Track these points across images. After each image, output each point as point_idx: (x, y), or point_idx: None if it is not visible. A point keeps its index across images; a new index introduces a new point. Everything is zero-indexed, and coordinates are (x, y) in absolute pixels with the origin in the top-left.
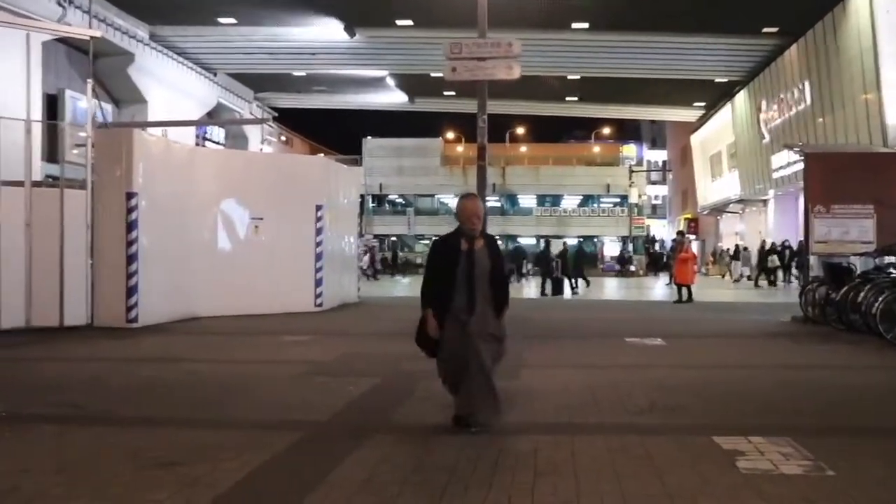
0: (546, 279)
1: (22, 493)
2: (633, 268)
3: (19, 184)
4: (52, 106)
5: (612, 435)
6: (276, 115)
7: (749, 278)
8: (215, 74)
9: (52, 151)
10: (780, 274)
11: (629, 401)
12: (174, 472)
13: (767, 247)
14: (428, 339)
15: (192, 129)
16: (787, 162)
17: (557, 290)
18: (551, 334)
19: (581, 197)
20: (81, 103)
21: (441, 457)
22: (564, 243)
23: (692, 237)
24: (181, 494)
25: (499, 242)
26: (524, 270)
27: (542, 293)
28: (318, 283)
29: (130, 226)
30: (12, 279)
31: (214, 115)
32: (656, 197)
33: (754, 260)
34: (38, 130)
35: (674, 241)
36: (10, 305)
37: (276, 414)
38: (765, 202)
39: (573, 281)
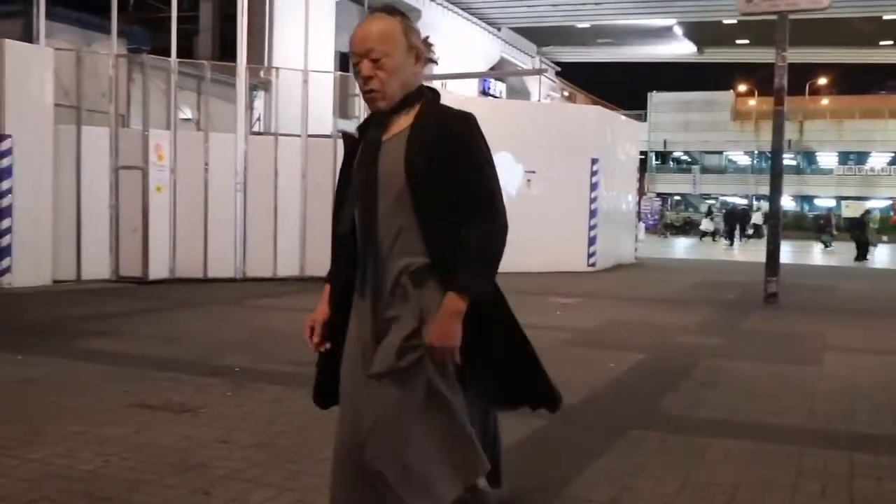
0: None
1: (208, 472)
2: None
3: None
4: (347, 64)
5: None
6: (560, 69)
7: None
8: (499, 29)
9: (342, 107)
10: None
11: None
12: None
13: None
14: (320, 370)
15: (475, 85)
16: None
17: None
18: (863, 308)
19: (892, 155)
20: None
21: (716, 471)
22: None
23: None
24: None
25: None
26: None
27: None
28: (592, 241)
29: None
30: (288, 229)
31: (497, 71)
32: None
33: None
34: (331, 86)
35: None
36: (286, 254)
37: None
38: None
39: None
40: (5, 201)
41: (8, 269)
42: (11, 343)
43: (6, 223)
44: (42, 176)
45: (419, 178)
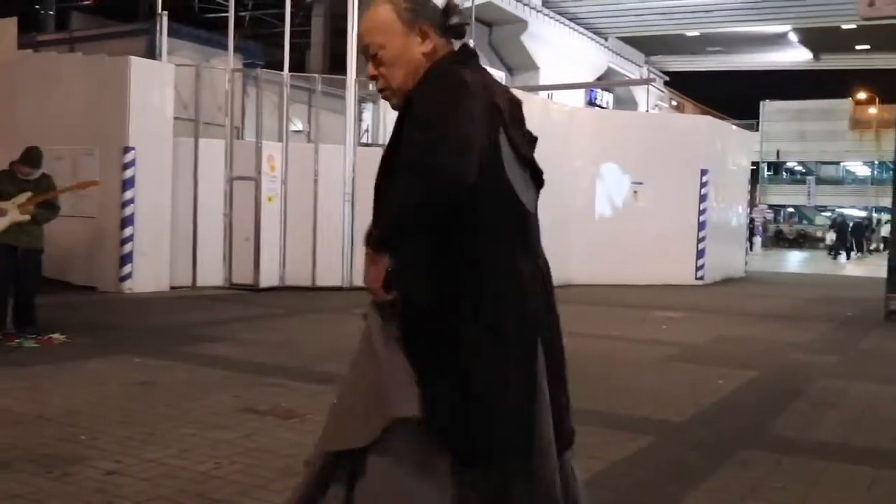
0: None
1: None
2: None
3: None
4: None
5: None
6: (668, 78)
7: None
8: (606, 39)
9: None
10: None
11: None
12: None
13: None
14: None
15: (581, 95)
16: None
17: None
18: None
19: None
20: None
21: (834, 497)
22: None
23: None
24: None
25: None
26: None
27: None
28: (700, 254)
29: None
30: None
31: (604, 81)
32: None
33: None
34: None
35: None
36: None
37: (624, 406)
38: None
39: None
40: (128, 210)
41: (129, 276)
42: (131, 346)
43: (128, 231)
44: (162, 186)
45: (381, 175)
